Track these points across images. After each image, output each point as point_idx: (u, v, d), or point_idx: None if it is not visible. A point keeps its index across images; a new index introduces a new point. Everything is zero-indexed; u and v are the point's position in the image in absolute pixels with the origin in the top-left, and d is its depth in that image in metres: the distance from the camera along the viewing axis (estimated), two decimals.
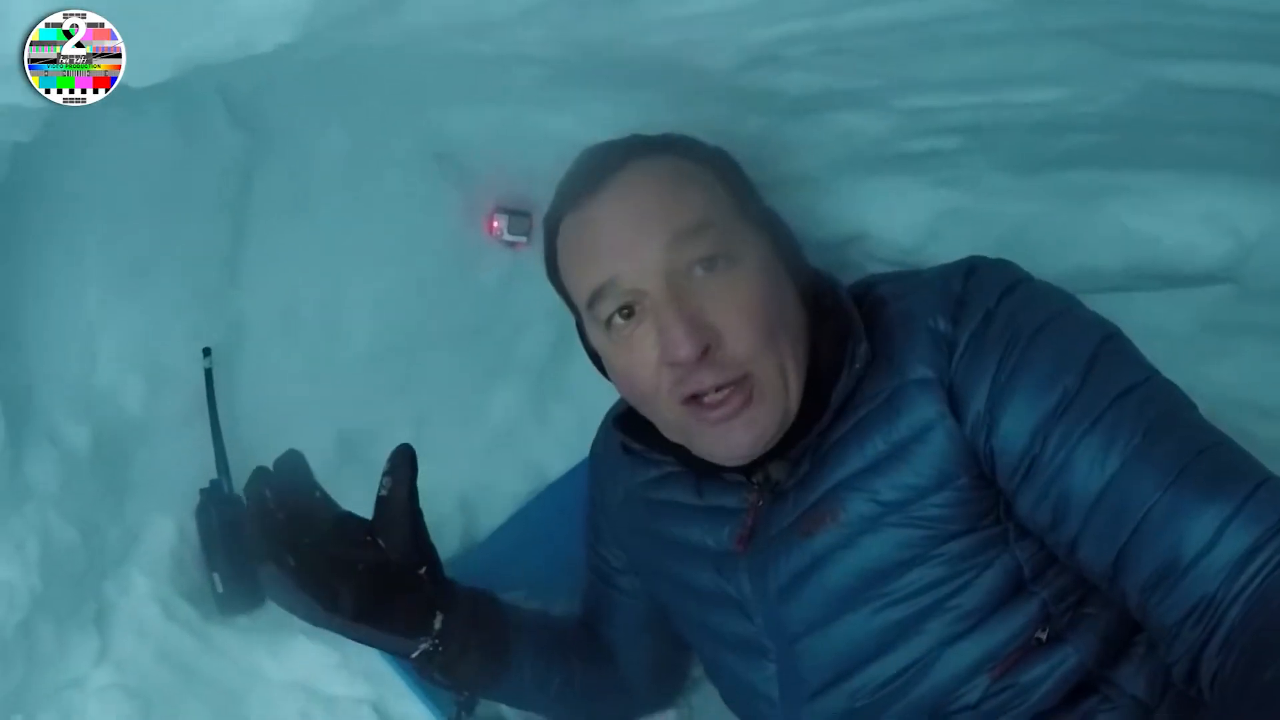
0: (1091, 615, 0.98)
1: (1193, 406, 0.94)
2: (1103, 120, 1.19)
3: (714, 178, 1.06)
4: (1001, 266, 1.03)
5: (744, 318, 0.99)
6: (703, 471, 1.11)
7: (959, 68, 1.14)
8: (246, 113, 1.33)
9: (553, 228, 1.11)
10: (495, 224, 1.51)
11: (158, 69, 0.92)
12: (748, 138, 1.31)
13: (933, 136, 1.28)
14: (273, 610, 1.34)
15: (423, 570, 1.11)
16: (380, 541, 1.08)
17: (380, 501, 1.08)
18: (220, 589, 1.30)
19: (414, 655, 1.12)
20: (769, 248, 1.06)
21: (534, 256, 1.51)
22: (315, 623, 1.05)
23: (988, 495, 0.98)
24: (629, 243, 1.01)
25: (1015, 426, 0.94)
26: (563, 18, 1.02)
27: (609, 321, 1.04)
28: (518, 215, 1.51)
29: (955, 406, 0.97)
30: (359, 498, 1.12)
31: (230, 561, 1.30)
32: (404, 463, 1.08)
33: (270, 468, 1.06)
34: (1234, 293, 1.33)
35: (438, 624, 1.12)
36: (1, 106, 0.95)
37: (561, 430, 1.57)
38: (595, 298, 1.03)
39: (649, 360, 1.01)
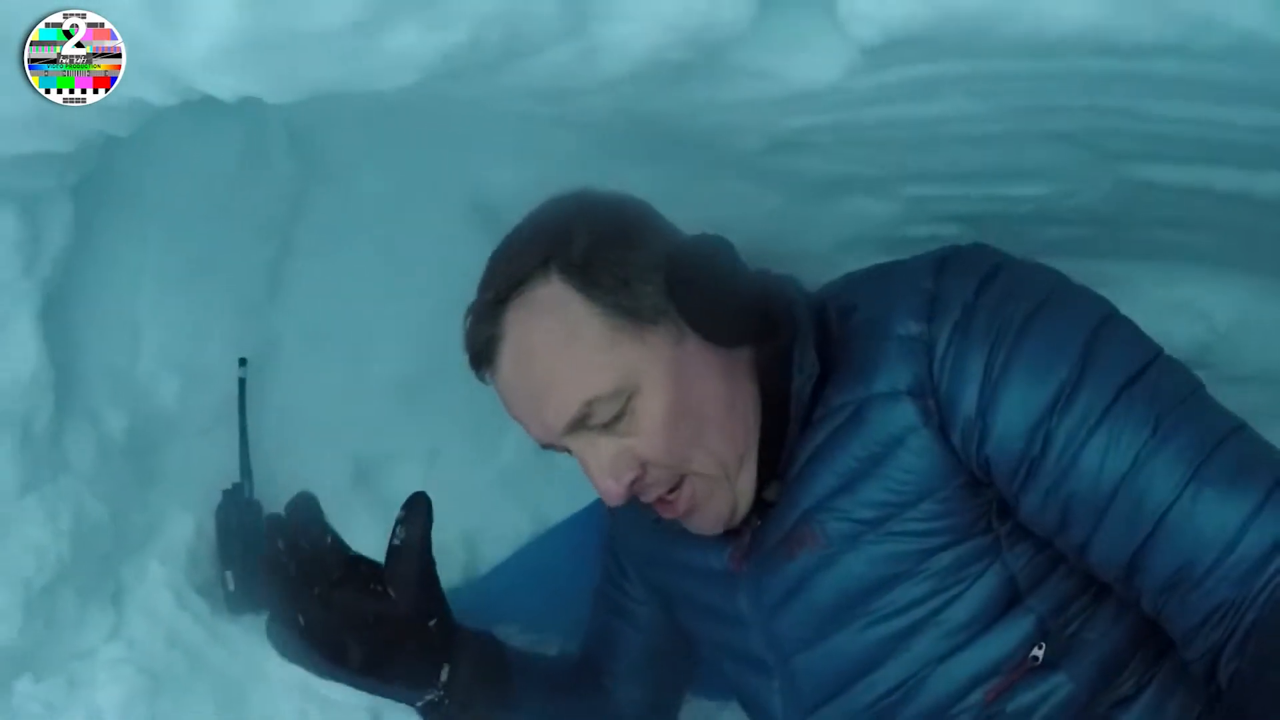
0: (1091, 642, 0.96)
1: (1200, 386, 0.92)
2: (1083, 214, 1.31)
3: (586, 307, 1.00)
4: (976, 253, 1.01)
5: (659, 442, 0.99)
6: None
7: (956, 162, 1.25)
8: (305, 144, 1.43)
9: None
10: None
11: (294, 90, 0.97)
12: (768, 213, 1.42)
13: (933, 223, 1.40)
14: None
15: (432, 622, 1.10)
16: (390, 591, 1.06)
17: (393, 550, 1.06)
18: (231, 587, 1.33)
19: (419, 705, 1.15)
20: (666, 328, 1.01)
21: None
22: (321, 676, 1.07)
23: (976, 503, 0.96)
24: (535, 418, 1.03)
25: (1010, 429, 0.90)
26: (630, 93, 1.09)
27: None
28: None
29: (941, 413, 0.94)
30: (368, 518, 1.16)
31: (243, 562, 1.33)
32: (420, 512, 1.06)
33: (283, 511, 1.07)
34: (1206, 378, 1.38)
35: (444, 676, 1.13)
36: (128, 100, 0.99)
37: (567, 477, 1.60)
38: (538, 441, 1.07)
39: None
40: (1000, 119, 1.13)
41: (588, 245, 1.02)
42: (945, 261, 1.00)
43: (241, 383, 1.38)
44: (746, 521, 1.09)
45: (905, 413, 0.95)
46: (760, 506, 1.08)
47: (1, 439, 1.12)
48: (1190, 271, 1.38)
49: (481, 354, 1.06)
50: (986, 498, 0.96)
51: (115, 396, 1.28)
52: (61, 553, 1.15)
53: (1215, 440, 0.87)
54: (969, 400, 0.92)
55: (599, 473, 1.01)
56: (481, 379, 1.09)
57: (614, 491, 1.01)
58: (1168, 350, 1.26)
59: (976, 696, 0.98)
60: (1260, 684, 0.81)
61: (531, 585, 1.54)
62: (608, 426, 1.00)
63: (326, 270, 1.47)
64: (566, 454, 1.05)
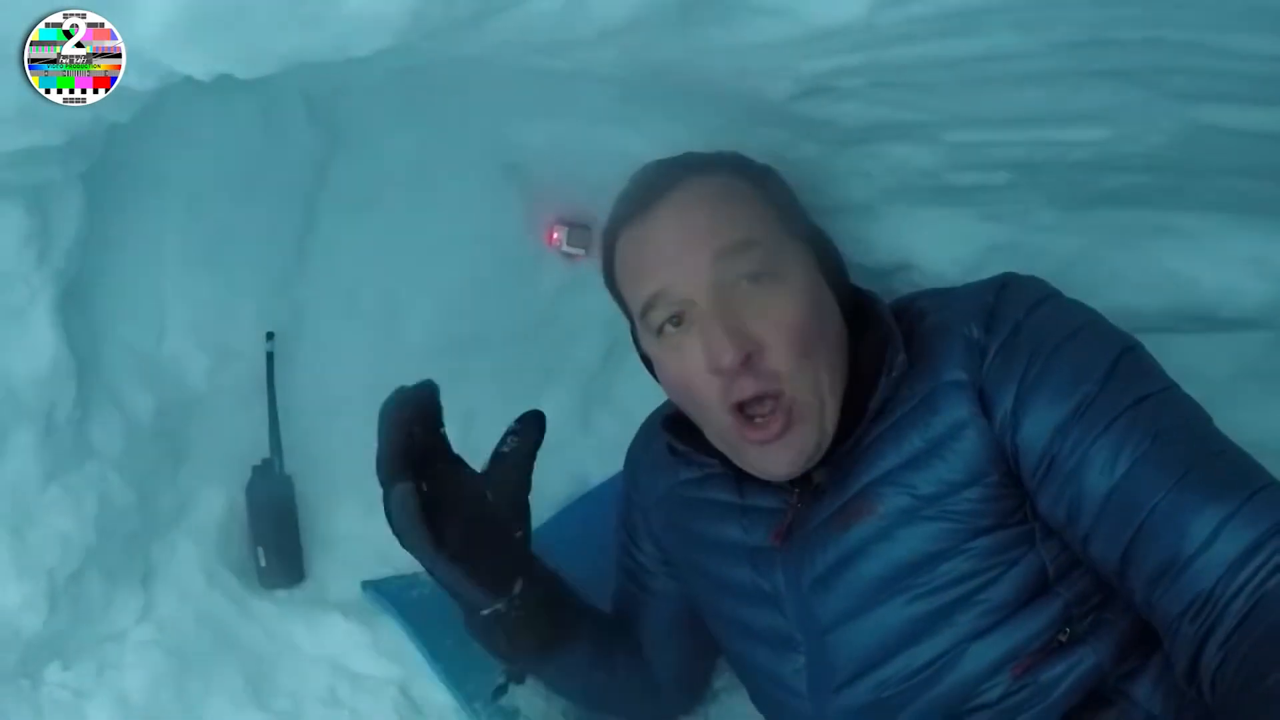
0: (1110, 621, 1.01)
1: (1208, 418, 0.98)
2: (1146, 160, 1.21)
3: (761, 196, 1.13)
4: (1032, 282, 1.09)
5: (785, 331, 1.05)
6: (744, 474, 1.15)
7: (1006, 105, 1.16)
8: (325, 112, 1.40)
9: (611, 240, 1.18)
10: (555, 235, 1.55)
11: (264, 63, 0.96)
12: (803, 163, 1.34)
13: (981, 171, 1.30)
14: (310, 586, 1.40)
15: (518, 534, 1.12)
16: (489, 495, 1.09)
17: (499, 457, 1.10)
18: (263, 563, 1.35)
19: (486, 612, 1.13)
20: (813, 264, 1.12)
21: (591, 268, 1.55)
22: (417, 553, 1.05)
23: (1015, 493, 1.03)
24: (679, 256, 1.08)
25: (1036, 427, 0.99)
26: (634, 41, 1.05)
27: (660, 329, 1.11)
28: (578, 228, 1.55)
29: (985, 407, 1.02)
30: None
31: (275, 538, 1.35)
32: (533, 426, 1.11)
33: (408, 390, 1.06)
34: (1273, 339, 1.34)
35: (517, 588, 1.13)
36: (116, 87, 0.99)
37: (605, 438, 1.61)
38: (648, 307, 1.10)
39: (698, 368, 1.07)
40: (1050, 55, 1.04)
41: (766, 171, 1.17)
42: (1005, 286, 1.09)
43: (270, 356, 1.39)
44: (791, 504, 1.13)
45: (968, 400, 1.03)
46: (805, 488, 1.13)
47: (22, 432, 1.14)
48: (1260, 224, 1.27)
49: (640, 200, 1.12)
50: (1023, 490, 1.03)
51: (142, 378, 1.30)
52: (87, 539, 1.18)
53: (1207, 453, 0.94)
54: (1007, 398, 1.01)
55: (720, 331, 1.04)
56: (613, 234, 1.16)
57: (728, 355, 1.03)
58: (1234, 309, 1.34)
59: (1004, 675, 1.02)
60: (1247, 693, 0.82)
61: (568, 550, 1.50)
62: (744, 297, 1.05)
63: (354, 238, 1.45)
64: (674, 332, 1.09)
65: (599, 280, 1.48)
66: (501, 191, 1.51)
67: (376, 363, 1.47)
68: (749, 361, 1.04)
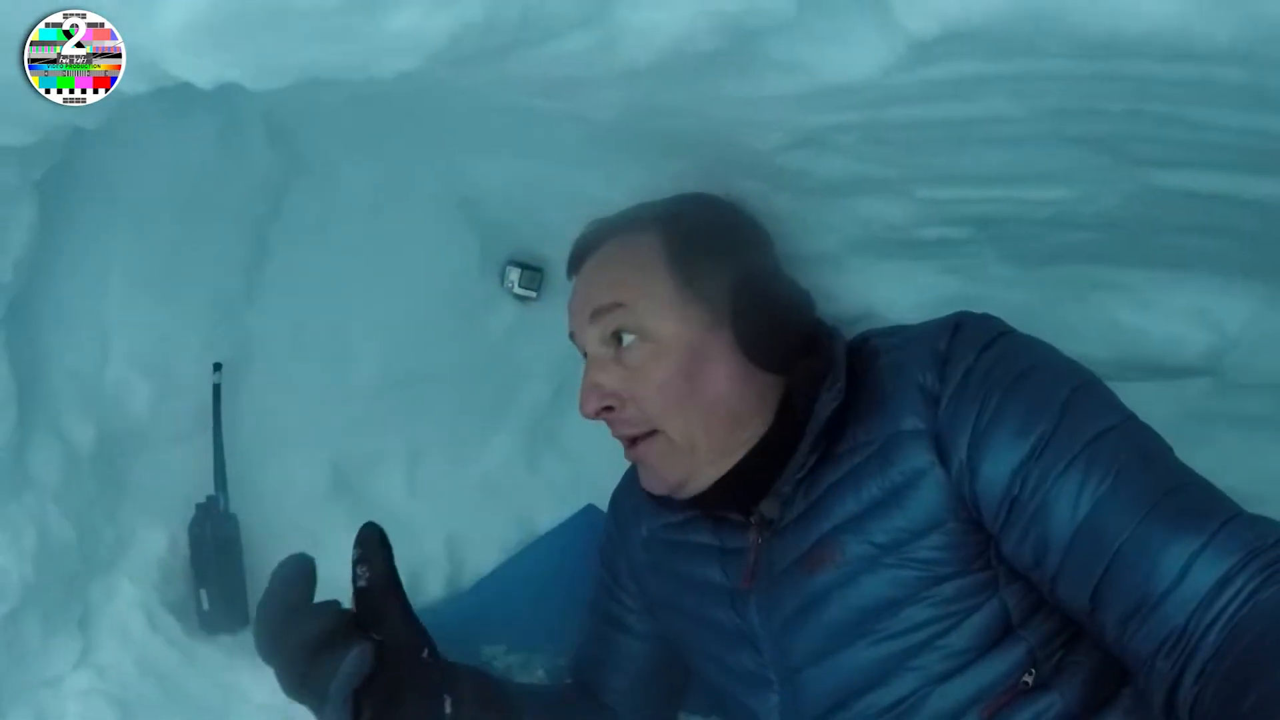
0: (1077, 663, 1.03)
1: (1167, 449, 0.99)
2: (1100, 219, 1.27)
3: (661, 259, 1.16)
4: (983, 322, 1.11)
5: (645, 388, 1.13)
6: (712, 514, 1.19)
7: (980, 163, 1.20)
8: (285, 135, 1.35)
9: None
10: (508, 276, 1.53)
11: (278, 75, 0.91)
12: (773, 213, 1.35)
13: (945, 226, 1.34)
14: None
15: (425, 653, 1.03)
16: (374, 634, 0.97)
17: (361, 594, 0.98)
18: (206, 606, 1.26)
19: None
20: (705, 322, 1.13)
21: (542, 310, 1.53)
22: None
23: (977, 540, 1.03)
24: (576, 312, 1.20)
25: (994, 472, 0.99)
26: (648, 85, 1.05)
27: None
28: (530, 270, 1.53)
29: (942, 456, 1.03)
30: (349, 526, 1.08)
31: (219, 579, 1.27)
32: (376, 546, 0.99)
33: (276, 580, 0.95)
34: (1214, 385, 1.41)
35: (448, 708, 1.06)
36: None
37: (553, 481, 1.59)
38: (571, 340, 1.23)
39: None
40: (1034, 121, 1.09)
41: (690, 228, 1.19)
42: (958, 327, 1.10)
43: (216, 389, 1.31)
44: (753, 543, 1.15)
45: (925, 450, 1.04)
46: (761, 524, 1.16)
47: None
48: (1202, 279, 1.36)
49: (576, 258, 1.25)
50: (985, 536, 1.04)
51: (83, 406, 1.20)
52: (26, 576, 1.07)
53: (1170, 487, 0.93)
54: (961, 447, 1.02)
55: (587, 384, 1.16)
56: (570, 278, 1.27)
57: (585, 407, 1.15)
58: (1178, 358, 1.40)
59: (972, 716, 1.03)
60: (1230, 717, 0.82)
61: (518, 600, 1.48)
62: (615, 353, 1.15)
63: (306, 269, 1.39)
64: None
65: (549, 322, 1.47)
66: (456, 228, 1.47)
67: (324, 396, 1.42)
68: (611, 412, 1.14)
